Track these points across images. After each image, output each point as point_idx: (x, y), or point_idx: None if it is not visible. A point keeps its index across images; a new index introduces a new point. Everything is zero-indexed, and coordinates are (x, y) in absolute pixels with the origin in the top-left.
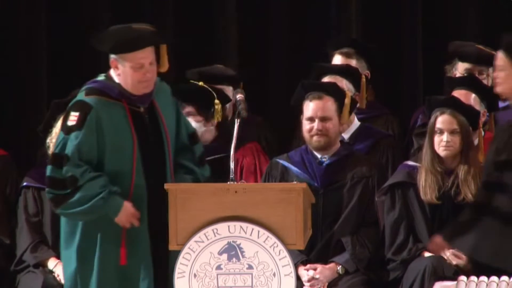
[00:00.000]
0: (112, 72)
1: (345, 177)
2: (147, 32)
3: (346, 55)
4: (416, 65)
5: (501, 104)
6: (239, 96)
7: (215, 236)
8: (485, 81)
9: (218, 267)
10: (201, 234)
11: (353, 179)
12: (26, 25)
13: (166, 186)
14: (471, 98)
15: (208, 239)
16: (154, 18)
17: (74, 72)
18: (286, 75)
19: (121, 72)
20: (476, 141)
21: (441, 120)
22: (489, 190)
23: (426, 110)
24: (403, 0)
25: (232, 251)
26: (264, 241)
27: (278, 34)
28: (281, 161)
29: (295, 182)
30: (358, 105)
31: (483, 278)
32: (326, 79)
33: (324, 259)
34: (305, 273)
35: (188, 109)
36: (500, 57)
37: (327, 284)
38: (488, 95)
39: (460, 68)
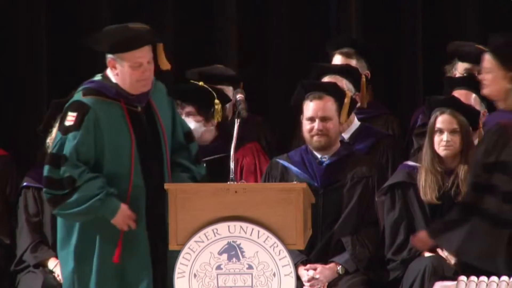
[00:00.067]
0: (109, 72)
1: (345, 177)
2: (144, 31)
3: (346, 55)
4: (416, 65)
5: None
6: (239, 96)
7: (215, 236)
8: None
9: (218, 267)
10: (201, 234)
11: (353, 179)
12: (26, 24)
13: (166, 186)
14: (471, 98)
15: (208, 239)
16: (153, 18)
17: (74, 72)
18: (286, 75)
19: (119, 71)
20: (476, 141)
21: (441, 120)
22: (478, 192)
23: (426, 110)
24: (403, 0)
25: (232, 251)
26: (264, 241)
27: (278, 34)
28: (281, 161)
29: (295, 182)
30: (358, 104)
31: (483, 278)
32: (326, 79)
33: (324, 259)
34: (305, 273)
35: (188, 109)
36: (487, 59)
37: (327, 284)
38: None
39: (460, 68)
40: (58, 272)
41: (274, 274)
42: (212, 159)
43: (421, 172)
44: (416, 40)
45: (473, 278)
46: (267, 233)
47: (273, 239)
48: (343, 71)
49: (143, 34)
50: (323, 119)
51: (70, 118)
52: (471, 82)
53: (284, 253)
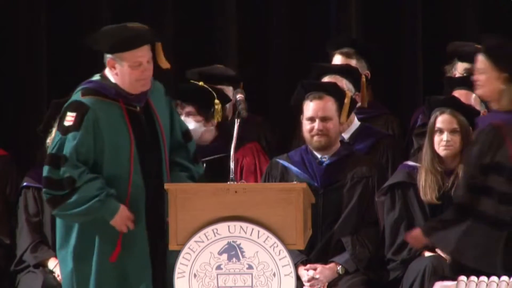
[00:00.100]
0: (108, 72)
1: (345, 177)
2: (143, 30)
3: (346, 55)
4: (416, 65)
5: None
6: (239, 96)
7: (215, 236)
8: None
9: (218, 267)
10: (201, 234)
11: (353, 179)
12: (26, 24)
13: (166, 186)
14: (471, 98)
15: (208, 239)
16: (153, 18)
17: (74, 72)
18: (286, 75)
19: (118, 71)
20: None
21: (441, 120)
22: (474, 193)
23: (426, 110)
24: (403, 0)
25: (232, 251)
26: (264, 241)
27: (278, 34)
28: (281, 161)
29: (295, 182)
30: (359, 104)
31: (483, 278)
32: (326, 79)
33: (324, 259)
34: (305, 273)
35: (188, 109)
36: (481, 60)
37: (327, 284)
38: None
39: (460, 68)
40: (58, 272)
41: (274, 274)
42: (212, 159)
43: (421, 172)
44: (416, 40)
45: (473, 278)
46: (267, 233)
47: (273, 239)
48: (343, 71)
49: (143, 33)
50: (323, 119)
51: (69, 118)
52: (471, 82)
53: (284, 253)
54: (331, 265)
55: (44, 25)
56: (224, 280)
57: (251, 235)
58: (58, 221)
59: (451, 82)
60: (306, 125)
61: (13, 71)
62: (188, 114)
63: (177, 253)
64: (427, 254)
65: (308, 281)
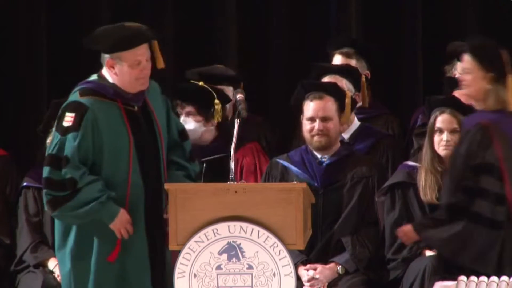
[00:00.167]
0: (105, 72)
1: (345, 177)
2: (142, 29)
3: (346, 55)
4: (416, 65)
5: None
6: (239, 96)
7: (215, 236)
8: None
9: (218, 267)
10: (201, 234)
11: (353, 179)
12: (26, 24)
13: (166, 186)
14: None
15: (208, 239)
16: (153, 18)
17: (74, 72)
18: (286, 75)
19: (117, 71)
20: None
21: (441, 120)
22: (467, 195)
23: (426, 110)
24: (403, 0)
25: (232, 251)
26: (264, 241)
27: (278, 34)
28: (281, 161)
29: (295, 182)
30: (360, 104)
31: (483, 278)
32: (326, 79)
33: (324, 259)
34: (305, 273)
35: (188, 109)
36: (467, 60)
37: (327, 284)
38: None
39: (460, 68)
40: (58, 272)
41: (274, 274)
42: (212, 159)
43: (421, 172)
44: (416, 40)
45: (473, 278)
46: (267, 233)
47: (273, 239)
48: (343, 71)
49: (142, 32)
50: (324, 119)
51: (68, 119)
52: None
53: (284, 253)
54: (331, 265)
55: (44, 25)
56: (224, 280)
57: (251, 235)
58: (57, 222)
59: (451, 82)
60: (306, 125)
61: (13, 71)
62: (188, 114)
63: (175, 253)
64: (428, 253)
65: (308, 281)
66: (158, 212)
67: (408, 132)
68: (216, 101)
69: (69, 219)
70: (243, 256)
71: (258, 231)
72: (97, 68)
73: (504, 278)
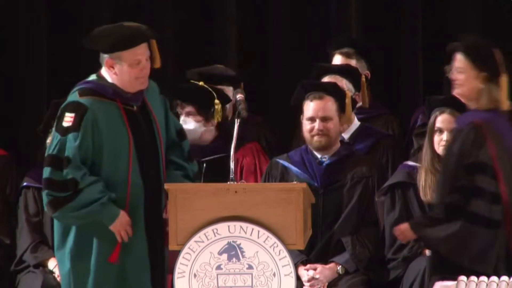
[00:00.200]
0: (104, 72)
1: (345, 177)
2: (141, 28)
3: (346, 55)
4: (416, 65)
5: None
6: (239, 96)
7: (215, 236)
8: None
9: (218, 267)
10: (201, 234)
11: (353, 179)
12: (26, 24)
13: (166, 186)
14: None
15: (208, 239)
16: (153, 18)
17: (74, 72)
18: (286, 75)
19: (118, 70)
20: None
21: (441, 120)
22: (463, 194)
23: (426, 110)
24: (403, 0)
25: (232, 251)
26: (264, 241)
27: (278, 34)
28: (281, 161)
29: (295, 182)
30: (361, 104)
31: (483, 278)
32: (326, 79)
33: (324, 259)
34: (305, 273)
35: (188, 109)
36: (459, 59)
37: (327, 284)
38: None
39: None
40: (58, 272)
41: (274, 274)
42: (212, 159)
43: (421, 172)
44: (416, 40)
45: (473, 278)
46: (267, 233)
47: (273, 239)
48: (343, 71)
49: (142, 31)
50: (324, 119)
51: (68, 119)
52: None
53: (284, 253)
54: (331, 265)
55: (44, 25)
56: (224, 280)
57: (251, 235)
58: (56, 222)
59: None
60: (306, 125)
61: (13, 71)
62: (188, 114)
63: (175, 253)
64: (428, 253)
65: (308, 281)
66: (157, 212)
67: (408, 132)
68: (216, 101)
69: (69, 220)
70: (243, 256)
71: (258, 231)
72: (97, 68)
73: (504, 278)
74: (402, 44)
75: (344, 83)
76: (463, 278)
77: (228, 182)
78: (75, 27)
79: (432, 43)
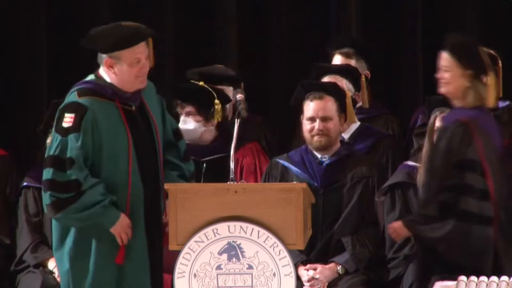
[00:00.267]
0: (103, 72)
1: (345, 177)
2: (139, 27)
3: (346, 55)
4: (416, 65)
5: (500, 104)
6: (239, 96)
7: (215, 236)
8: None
9: (218, 267)
10: (201, 234)
11: (353, 179)
12: (26, 24)
13: (166, 186)
14: None
15: (208, 239)
16: (153, 18)
17: (74, 72)
18: (286, 75)
19: (117, 70)
20: None
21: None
22: (453, 192)
23: (426, 110)
24: (403, 0)
25: (232, 251)
26: (264, 241)
27: (278, 34)
28: (281, 161)
29: (295, 182)
30: (361, 104)
31: (483, 278)
32: (326, 79)
33: (324, 259)
34: (305, 273)
35: (188, 109)
36: (445, 57)
37: (327, 284)
38: None
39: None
40: (58, 272)
41: (274, 274)
42: (212, 159)
43: (421, 172)
44: (416, 40)
45: (473, 278)
46: (267, 233)
47: (273, 239)
48: (343, 71)
49: (141, 30)
50: (324, 119)
51: (68, 120)
52: None
53: (284, 253)
54: (331, 265)
55: (44, 25)
56: (224, 280)
57: (251, 235)
58: (54, 222)
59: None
60: (306, 125)
61: (13, 71)
62: (188, 114)
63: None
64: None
65: (308, 281)
66: (157, 212)
67: (408, 132)
68: (216, 101)
69: (71, 221)
70: (243, 256)
71: (258, 231)
72: (97, 68)
73: (504, 278)
74: (402, 44)
75: (344, 83)
76: (463, 278)
77: (228, 182)
78: (75, 27)
79: (432, 43)
